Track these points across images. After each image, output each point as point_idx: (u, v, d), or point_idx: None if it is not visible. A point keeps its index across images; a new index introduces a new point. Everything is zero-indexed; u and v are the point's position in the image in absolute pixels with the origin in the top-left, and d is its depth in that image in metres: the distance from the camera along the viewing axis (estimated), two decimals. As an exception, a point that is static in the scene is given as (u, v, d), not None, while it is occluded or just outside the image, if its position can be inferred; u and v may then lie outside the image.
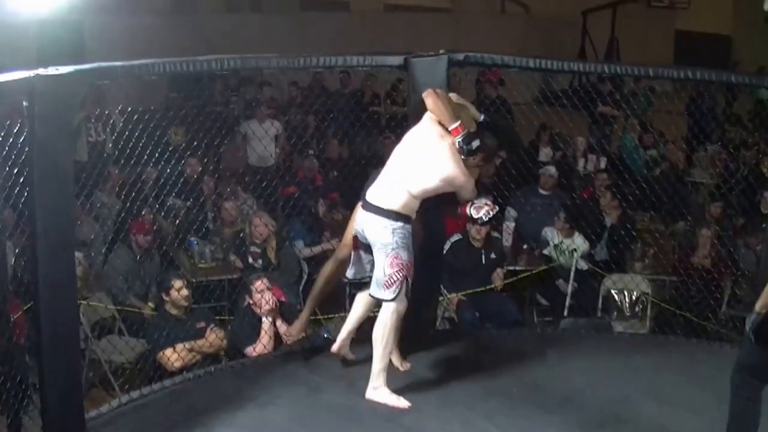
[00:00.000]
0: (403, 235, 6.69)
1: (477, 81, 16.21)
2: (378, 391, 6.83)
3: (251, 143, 13.88)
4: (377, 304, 7.04)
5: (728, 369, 7.23)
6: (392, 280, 6.67)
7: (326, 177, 13.33)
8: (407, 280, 6.71)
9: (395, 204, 6.70)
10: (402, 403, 6.78)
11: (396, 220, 6.68)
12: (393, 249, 6.65)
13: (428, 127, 6.92)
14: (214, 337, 8.73)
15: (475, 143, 6.81)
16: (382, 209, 6.71)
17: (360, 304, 7.39)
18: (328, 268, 7.68)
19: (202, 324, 8.84)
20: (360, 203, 7.04)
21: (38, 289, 5.98)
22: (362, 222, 6.84)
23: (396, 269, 6.66)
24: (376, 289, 6.80)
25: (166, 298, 8.83)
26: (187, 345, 8.59)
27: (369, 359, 7.31)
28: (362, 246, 6.98)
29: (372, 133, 14.43)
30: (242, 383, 7.31)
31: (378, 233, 6.70)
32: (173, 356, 8.45)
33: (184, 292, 8.83)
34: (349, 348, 7.55)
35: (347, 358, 7.58)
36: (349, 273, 7.27)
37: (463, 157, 6.76)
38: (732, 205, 13.01)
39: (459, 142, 6.74)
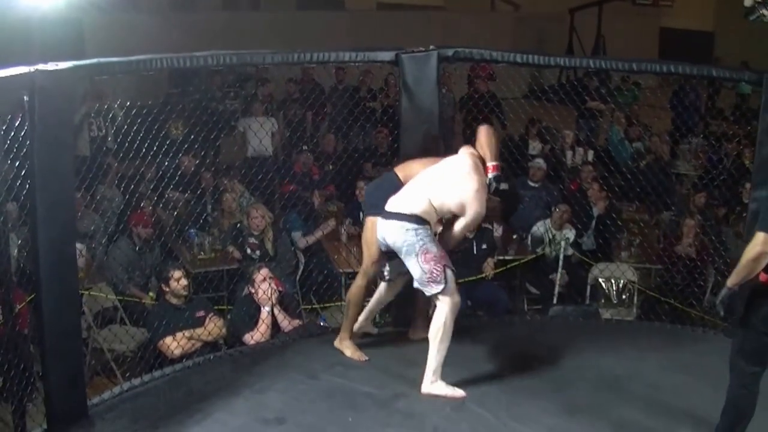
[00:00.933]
0: (425, 234, 6.71)
1: (468, 76, 16.19)
2: (435, 384, 6.78)
3: (248, 138, 13.85)
4: (399, 290, 7.30)
5: (711, 353, 7.35)
6: (434, 274, 6.66)
7: (322, 170, 13.30)
8: (447, 269, 6.70)
9: (416, 209, 6.73)
10: (458, 393, 6.75)
11: (416, 222, 6.69)
12: (420, 246, 6.66)
13: (464, 158, 6.98)
14: (213, 326, 8.71)
15: (503, 185, 7.04)
16: (403, 214, 6.74)
17: (387, 287, 7.47)
18: (360, 291, 7.46)
19: (202, 313, 8.81)
20: (369, 216, 7.19)
21: (40, 280, 5.97)
22: (383, 231, 6.86)
23: (433, 263, 6.65)
24: (424, 287, 6.77)
25: (166, 288, 8.80)
26: (187, 333, 8.56)
27: (369, 345, 7.39)
28: (387, 255, 7.05)
29: (365, 128, 14.43)
30: (240, 370, 7.31)
31: (401, 236, 6.71)
32: (173, 344, 8.42)
33: (183, 281, 8.80)
34: (371, 324, 7.78)
35: (371, 333, 7.77)
36: (387, 273, 7.26)
37: (488, 193, 6.95)
38: (715, 196, 13.02)
39: (491, 179, 6.91)
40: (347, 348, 7.45)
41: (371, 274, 7.38)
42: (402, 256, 6.77)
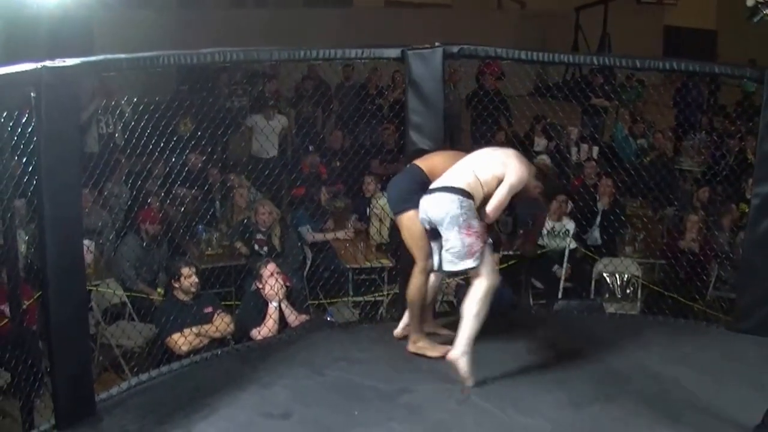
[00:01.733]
0: (469, 207, 6.59)
1: (477, 73, 16.19)
2: (463, 358, 6.63)
3: (256, 136, 13.84)
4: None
5: (713, 347, 7.36)
6: (473, 249, 6.56)
7: (329, 167, 13.27)
8: (486, 247, 6.65)
9: (462, 183, 6.64)
10: (470, 381, 6.67)
11: (462, 195, 6.59)
12: (464, 220, 6.55)
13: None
14: (220, 322, 8.69)
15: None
16: (448, 187, 6.64)
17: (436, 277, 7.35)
18: (421, 289, 7.17)
19: (209, 309, 8.80)
20: (405, 211, 7.04)
21: (47, 276, 5.93)
22: (426, 207, 6.72)
23: (474, 237, 6.55)
24: (454, 263, 6.65)
25: (176, 284, 8.78)
26: (195, 329, 8.54)
27: (375, 340, 7.39)
28: (432, 234, 6.85)
29: (372, 124, 14.43)
30: (247, 365, 7.26)
31: (445, 208, 6.58)
32: (180, 340, 8.40)
33: (193, 279, 8.78)
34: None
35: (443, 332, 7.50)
36: (435, 262, 6.98)
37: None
38: (718, 192, 13.00)
39: None
40: (425, 348, 7.23)
41: (428, 268, 7.12)
42: (443, 229, 6.63)
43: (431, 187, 6.78)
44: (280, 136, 14.22)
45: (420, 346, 7.21)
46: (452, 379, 6.75)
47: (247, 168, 12.31)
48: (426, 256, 7.00)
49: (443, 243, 6.68)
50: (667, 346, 7.53)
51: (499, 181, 6.75)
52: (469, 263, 6.60)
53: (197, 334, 8.53)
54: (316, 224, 11.62)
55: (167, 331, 8.49)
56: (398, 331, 7.57)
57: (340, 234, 11.60)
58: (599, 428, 6.25)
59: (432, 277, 7.24)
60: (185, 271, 8.76)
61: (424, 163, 7.17)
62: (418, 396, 6.57)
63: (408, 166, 7.32)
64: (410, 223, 7.01)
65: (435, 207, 6.65)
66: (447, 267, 6.75)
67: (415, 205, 6.90)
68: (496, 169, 6.76)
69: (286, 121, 14.52)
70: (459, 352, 6.62)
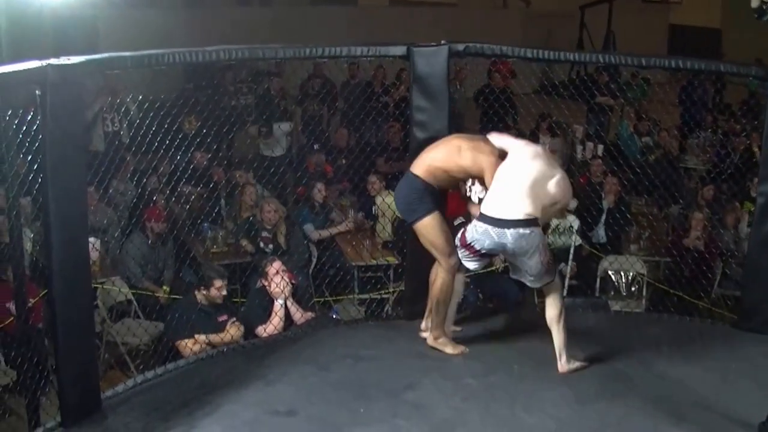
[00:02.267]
0: (541, 231, 6.79)
1: (489, 71, 16.22)
2: (570, 363, 6.91)
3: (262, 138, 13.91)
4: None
5: (718, 345, 7.36)
6: (549, 265, 6.79)
7: (335, 165, 13.26)
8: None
9: (529, 210, 6.70)
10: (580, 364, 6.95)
11: (534, 224, 6.70)
12: (542, 244, 6.73)
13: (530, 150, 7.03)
14: (234, 331, 8.60)
15: None
16: (521, 220, 6.67)
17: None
18: (449, 288, 7.17)
19: (224, 317, 8.68)
20: (420, 219, 7.10)
21: (52, 274, 5.92)
22: (506, 242, 6.68)
23: (546, 254, 6.77)
24: (536, 281, 6.85)
25: (203, 291, 8.68)
26: (206, 338, 8.42)
27: (380, 338, 7.43)
28: (488, 254, 7.03)
29: (378, 122, 14.44)
30: (252, 362, 7.26)
31: (526, 242, 6.66)
32: (191, 344, 8.34)
33: (224, 292, 8.72)
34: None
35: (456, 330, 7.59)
36: (473, 266, 7.10)
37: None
38: (722, 190, 12.99)
39: None
40: (445, 345, 7.25)
41: (453, 267, 7.12)
42: (525, 258, 6.74)
43: (503, 217, 6.71)
44: (289, 139, 14.25)
45: (441, 342, 7.25)
46: (457, 376, 6.76)
47: (253, 166, 12.28)
48: (449, 256, 7.06)
49: (523, 266, 6.82)
50: (672, 344, 7.51)
51: (555, 201, 6.92)
52: (547, 279, 6.83)
53: (208, 343, 8.46)
54: (320, 222, 11.60)
55: (179, 334, 8.42)
56: (423, 325, 7.58)
57: (341, 227, 11.58)
58: (604, 426, 6.23)
59: (460, 281, 7.34)
60: (218, 283, 8.66)
61: (417, 168, 7.19)
62: (424, 393, 6.55)
63: (405, 175, 7.33)
64: (426, 230, 7.11)
65: (515, 243, 6.68)
66: (531, 285, 6.98)
67: (425, 212, 7.05)
68: (551, 189, 6.86)
69: (288, 127, 14.49)
70: (564, 365, 6.92)
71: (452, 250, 7.03)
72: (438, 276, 7.17)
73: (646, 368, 7.06)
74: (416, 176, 7.14)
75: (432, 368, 6.95)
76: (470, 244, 6.83)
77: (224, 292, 8.73)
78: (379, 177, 12.03)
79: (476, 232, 6.77)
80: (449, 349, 7.20)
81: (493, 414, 6.37)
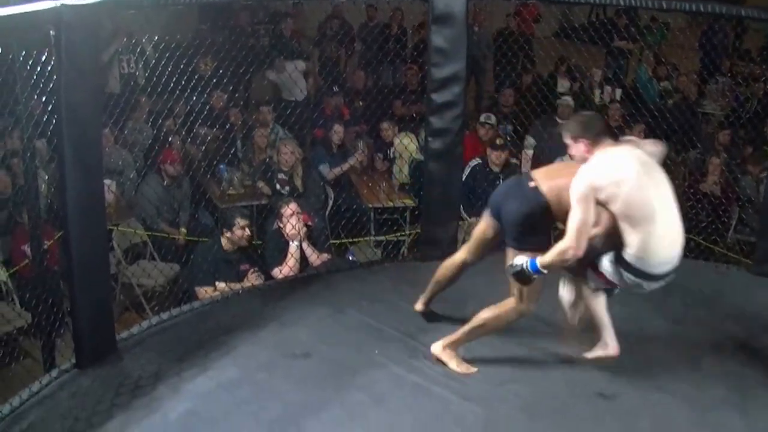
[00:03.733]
0: None
1: (512, 14, 16.16)
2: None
3: (280, 84, 13.84)
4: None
5: (733, 289, 7.53)
6: None
7: (351, 107, 13.18)
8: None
9: None
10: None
11: None
12: None
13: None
14: (255, 279, 8.53)
15: None
16: None
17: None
18: (508, 324, 6.24)
19: (246, 266, 8.60)
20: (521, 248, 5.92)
21: (67, 216, 5.89)
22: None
23: None
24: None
25: (227, 234, 8.57)
26: (226, 286, 8.33)
27: (396, 280, 7.51)
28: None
29: (395, 64, 14.38)
30: (268, 304, 7.26)
31: None
32: (210, 291, 8.28)
33: (247, 232, 8.57)
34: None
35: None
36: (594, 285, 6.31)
37: None
38: (740, 135, 12.91)
39: None
40: (451, 360, 6.35)
41: (526, 313, 6.17)
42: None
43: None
44: (307, 81, 14.18)
45: (448, 354, 6.38)
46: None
47: (270, 106, 12.20)
48: (532, 302, 6.08)
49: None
50: (688, 288, 7.46)
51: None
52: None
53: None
54: (336, 163, 11.53)
55: (200, 280, 8.36)
56: (419, 305, 7.00)
57: (351, 160, 11.49)
58: (620, 371, 6.21)
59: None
60: (240, 221, 8.48)
61: (547, 182, 5.97)
62: (439, 334, 6.49)
63: (521, 181, 6.19)
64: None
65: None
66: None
67: (537, 245, 5.83)
68: None
69: (303, 65, 14.38)
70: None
71: (539, 297, 6.08)
72: (505, 310, 6.14)
73: (662, 311, 7.08)
74: (541, 192, 5.91)
75: (447, 310, 6.93)
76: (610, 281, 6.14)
77: (248, 232, 8.62)
78: (392, 123, 11.94)
79: (623, 281, 6.07)
80: (454, 365, 6.35)
81: (505, 351, 6.44)
